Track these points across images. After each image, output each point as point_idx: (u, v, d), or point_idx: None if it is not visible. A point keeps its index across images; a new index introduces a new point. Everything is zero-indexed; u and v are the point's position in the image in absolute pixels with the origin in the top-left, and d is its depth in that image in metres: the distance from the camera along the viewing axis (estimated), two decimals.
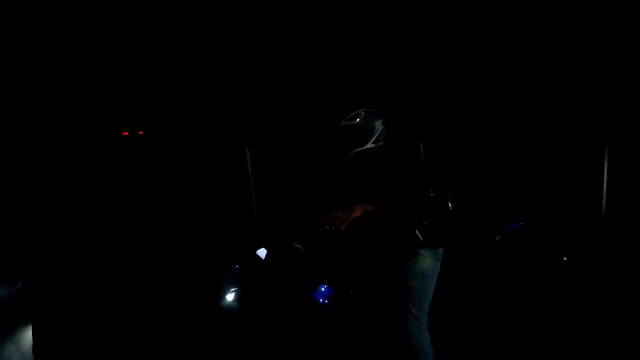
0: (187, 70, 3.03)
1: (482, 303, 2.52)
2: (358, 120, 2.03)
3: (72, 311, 2.61)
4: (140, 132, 2.82)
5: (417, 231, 1.94)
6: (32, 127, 2.69)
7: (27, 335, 2.20)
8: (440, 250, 1.99)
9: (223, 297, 2.43)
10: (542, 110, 3.10)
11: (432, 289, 2.00)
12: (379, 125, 2.06)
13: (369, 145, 2.04)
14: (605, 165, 3.02)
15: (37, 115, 2.72)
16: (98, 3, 2.78)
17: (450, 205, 2.00)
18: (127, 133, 2.78)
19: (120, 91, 2.90)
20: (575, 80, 3.03)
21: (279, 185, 2.77)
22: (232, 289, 2.44)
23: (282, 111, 2.99)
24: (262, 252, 2.39)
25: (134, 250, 2.81)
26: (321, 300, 2.31)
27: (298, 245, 2.18)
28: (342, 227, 1.84)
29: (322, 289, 2.32)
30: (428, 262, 1.95)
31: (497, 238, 2.37)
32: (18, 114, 2.67)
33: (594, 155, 3.09)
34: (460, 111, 3.00)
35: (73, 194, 2.75)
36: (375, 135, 2.05)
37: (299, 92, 2.96)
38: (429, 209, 1.96)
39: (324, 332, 2.31)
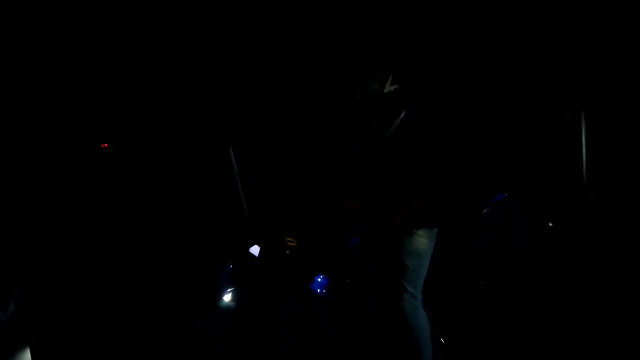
0: (182, 69, 2.96)
1: (480, 281, 2.56)
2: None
3: (70, 327, 2.57)
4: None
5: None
6: (32, 126, 2.64)
7: (26, 358, 2.17)
8: (435, 230, 2.03)
9: (220, 298, 2.43)
10: (523, 85, 3.09)
11: (426, 268, 2.04)
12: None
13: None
14: (583, 132, 3.05)
15: (36, 114, 2.66)
16: (99, 5, 2.74)
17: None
18: (107, 145, 2.73)
19: (119, 91, 2.84)
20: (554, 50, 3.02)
21: (268, 180, 2.75)
22: (229, 290, 2.44)
23: (268, 103, 2.95)
24: (256, 250, 2.40)
25: (132, 253, 2.77)
26: (319, 290, 2.33)
27: (291, 240, 2.19)
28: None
29: (319, 280, 2.34)
30: (424, 241, 1.99)
31: (484, 212, 2.42)
32: (17, 113, 2.61)
33: (571, 124, 3.11)
34: (451, 90, 2.97)
35: (72, 195, 2.68)
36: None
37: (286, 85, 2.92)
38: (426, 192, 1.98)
39: (324, 332, 2.33)
